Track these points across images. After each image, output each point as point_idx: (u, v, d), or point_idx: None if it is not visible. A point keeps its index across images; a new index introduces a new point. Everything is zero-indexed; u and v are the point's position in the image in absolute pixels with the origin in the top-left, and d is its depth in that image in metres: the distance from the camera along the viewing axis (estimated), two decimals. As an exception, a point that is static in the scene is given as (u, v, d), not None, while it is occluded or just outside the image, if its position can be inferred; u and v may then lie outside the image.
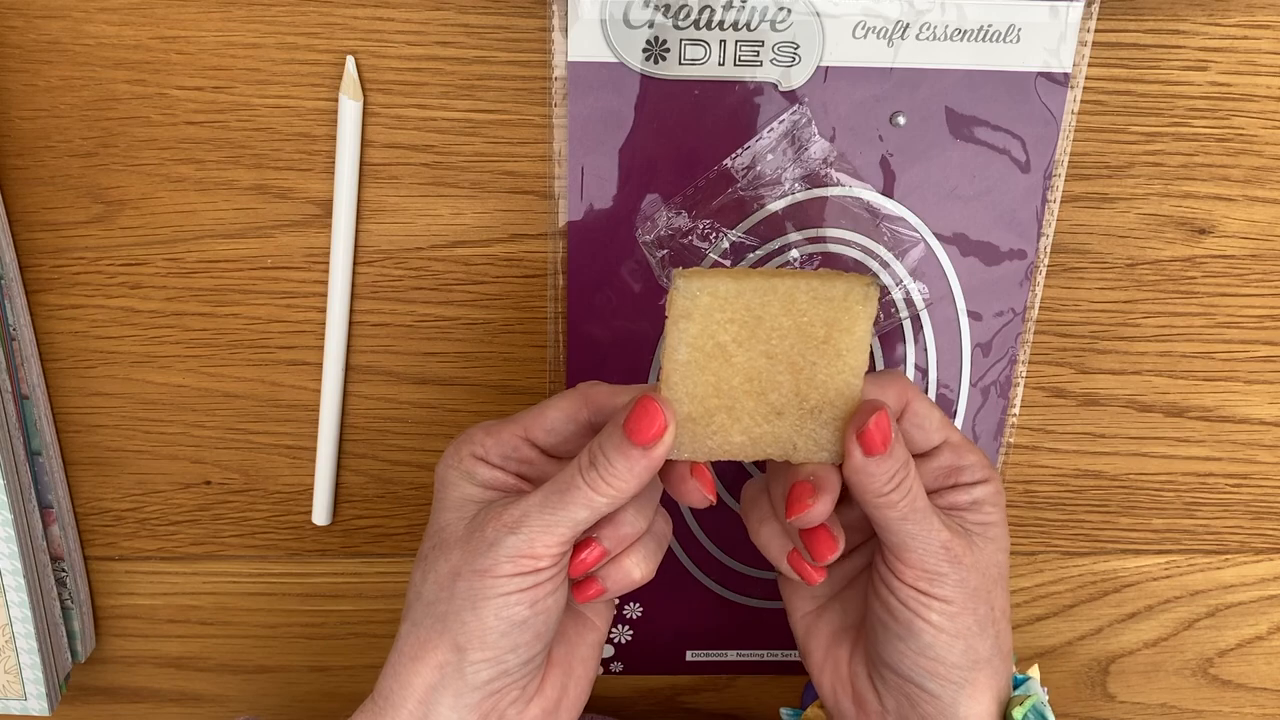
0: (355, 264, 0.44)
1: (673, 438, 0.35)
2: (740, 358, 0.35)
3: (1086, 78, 0.42)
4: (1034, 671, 0.42)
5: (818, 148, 0.41)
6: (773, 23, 0.40)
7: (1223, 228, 0.46)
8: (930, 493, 0.38)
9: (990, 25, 0.41)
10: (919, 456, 0.39)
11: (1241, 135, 0.44)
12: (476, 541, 0.36)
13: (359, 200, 0.43)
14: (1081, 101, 0.43)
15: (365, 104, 0.42)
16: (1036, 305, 0.46)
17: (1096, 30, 0.42)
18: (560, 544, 0.35)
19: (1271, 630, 0.54)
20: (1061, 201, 0.45)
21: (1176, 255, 0.46)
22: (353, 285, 0.45)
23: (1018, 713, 0.39)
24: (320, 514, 0.48)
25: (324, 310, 0.45)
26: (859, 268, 0.44)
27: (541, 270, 0.45)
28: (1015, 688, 0.40)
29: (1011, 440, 0.48)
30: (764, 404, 0.35)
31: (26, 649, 0.46)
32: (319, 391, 0.46)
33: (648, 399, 0.34)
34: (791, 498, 0.36)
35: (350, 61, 0.41)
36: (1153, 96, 0.43)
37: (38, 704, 0.47)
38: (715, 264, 0.43)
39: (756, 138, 0.40)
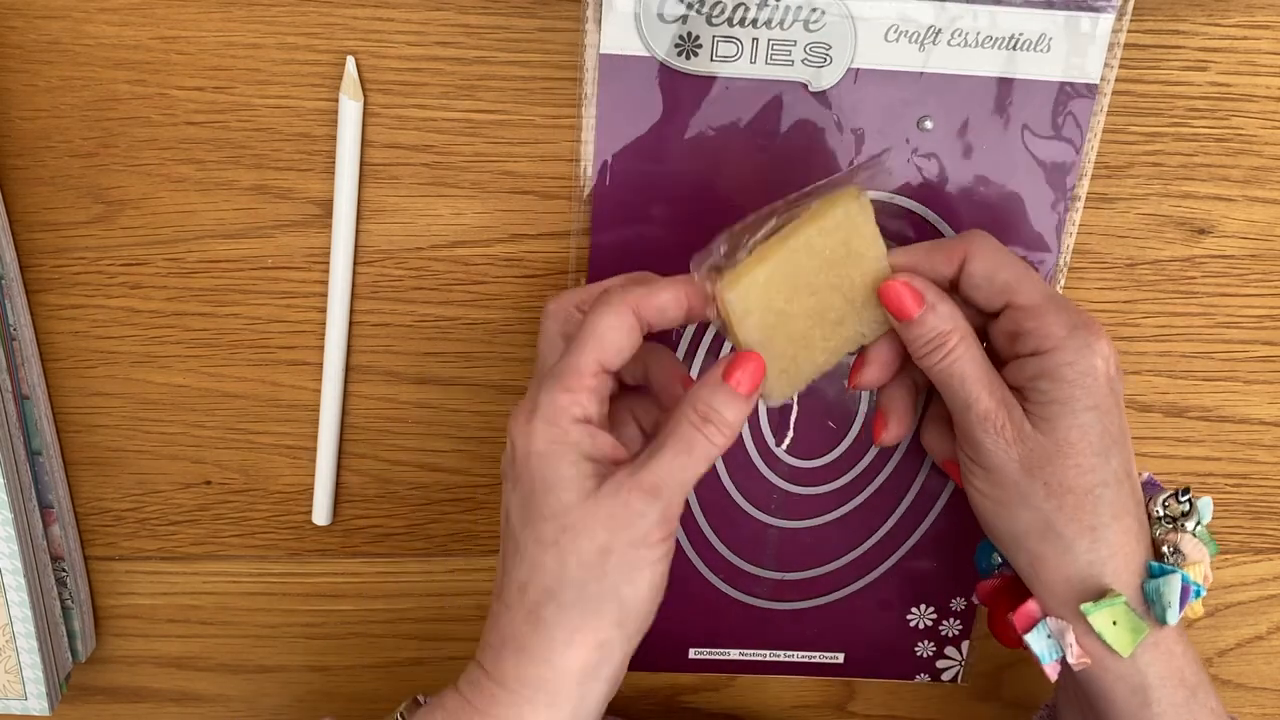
0: (355, 264, 0.44)
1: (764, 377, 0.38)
2: (795, 308, 0.39)
3: (1086, 78, 0.43)
4: (1197, 571, 0.40)
5: (884, 194, 0.42)
6: (806, 23, 0.40)
7: (1222, 228, 0.46)
8: (1006, 361, 0.40)
9: (1022, 34, 0.41)
10: (991, 317, 0.40)
11: (1241, 135, 0.44)
12: (623, 515, 0.36)
13: (359, 200, 0.43)
14: (1081, 101, 0.43)
15: (365, 104, 0.42)
16: None
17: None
18: (685, 500, 0.38)
19: (1271, 630, 0.54)
20: (1061, 201, 0.45)
21: (1176, 255, 0.46)
22: (353, 285, 0.45)
23: (1090, 610, 0.38)
24: (320, 514, 0.48)
25: (324, 310, 0.45)
26: None
27: (542, 270, 0.45)
28: (1143, 583, 0.39)
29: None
30: (825, 323, 0.40)
31: (27, 649, 0.46)
32: (319, 391, 0.46)
33: (744, 354, 0.38)
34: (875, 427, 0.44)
35: (350, 61, 0.41)
36: (1152, 96, 0.43)
37: (38, 704, 0.47)
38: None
39: (830, 179, 0.40)
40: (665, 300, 0.38)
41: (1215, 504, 0.51)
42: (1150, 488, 0.42)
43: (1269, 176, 0.45)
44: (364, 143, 0.42)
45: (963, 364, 0.39)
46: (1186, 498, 0.41)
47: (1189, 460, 0.50)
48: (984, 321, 0.41)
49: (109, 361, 0.46)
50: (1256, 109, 0.44)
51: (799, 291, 0.39)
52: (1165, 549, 0.40)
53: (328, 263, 0.44)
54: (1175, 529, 0.41)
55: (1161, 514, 0.41)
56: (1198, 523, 0.41)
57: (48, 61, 0.41)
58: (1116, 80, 0.43)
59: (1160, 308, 0.47)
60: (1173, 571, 0.38)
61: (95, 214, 0.43)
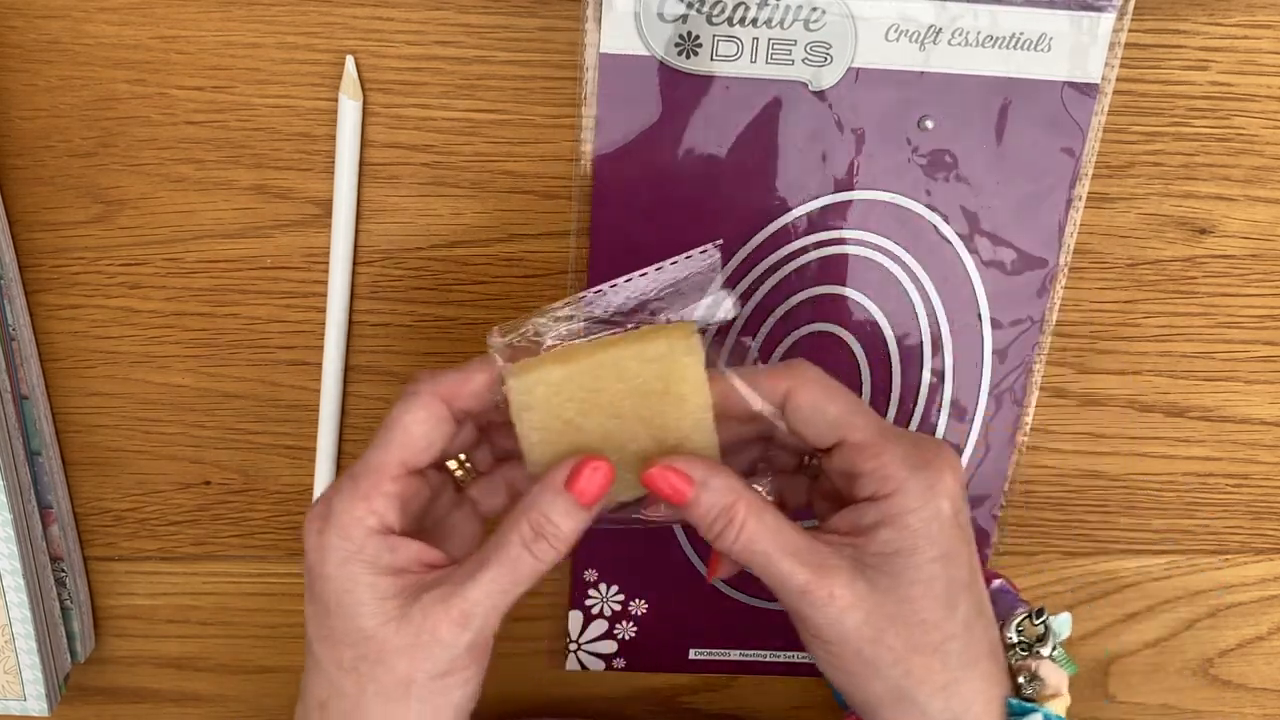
0: (355, 264, 0.44)
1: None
2: (590, 425, 0.35)
3: (1087, 77, 0.43)
4: (1059, 703, 0.37)
5: (721, 308, 0.36)
6: (806, 22, 0.40)
7: (1223, 228, 0.46)
8: (843, 503, 0.36)
9: (1022, 33, 0.41)
10: (822, 453, 0.36)
11: (1242, 135, 0.44)
12: (426, 647, 0.33)
13: (359, 200, 0.43)
14: (1082, 101, 0.43)
15: (365, 104, 0.42)
16: (1054, 315, 0.46)
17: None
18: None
19: (1272, 630, 0.54)
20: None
21: (1177, 255, 0.46)
22: (352, 285, 0.45)
23: None
24: None
25: (324, 310, 0.45)
26: (881, 272, 0.45)
27: (542, 270, 0.45)
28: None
29: (1024, 448, 0.48)
30: (626, 455, 0.36)
31: (26, 649, 0.46)
32: (319, 391, 0.46)
33: (587, 461, 0.34)
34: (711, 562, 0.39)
35: (350, 61, 0.41)
36: (1153, 96, 0.43)
37: (37, 704, 0.47)
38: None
39: (640, 274, 0.36)
40: (480, 384, 0.35)
41: (1216, 504, 0.51)
42: (1005, 598, 0.40)
43: (1270, 176, 0.45)
44: (364, 143, 0.42)
45: (759, 538, 0.34)
46: (1041, 620, 0.39)
47: (1189, 460, 0.50)
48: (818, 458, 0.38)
49: (109, 361, 0.46)
50: (1258, 108, 0.44)
51: (597, 410, 0.35)
52: (1023, 678, 0.37)
53: (327, 263, 0.44)
54: (1031, 654, 0.38)
55: (1016, 640, 0.39)
56: (1054, 645, 0.39)
57: (48, 61, 0.41)
58: (1117, 80, 0.43)
59: (1161, 308, 0.47)
60: (1033, 711, 0.36)
61: (95, 214, 0.43)
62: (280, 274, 0.44)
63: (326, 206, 0.43)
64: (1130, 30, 0.42)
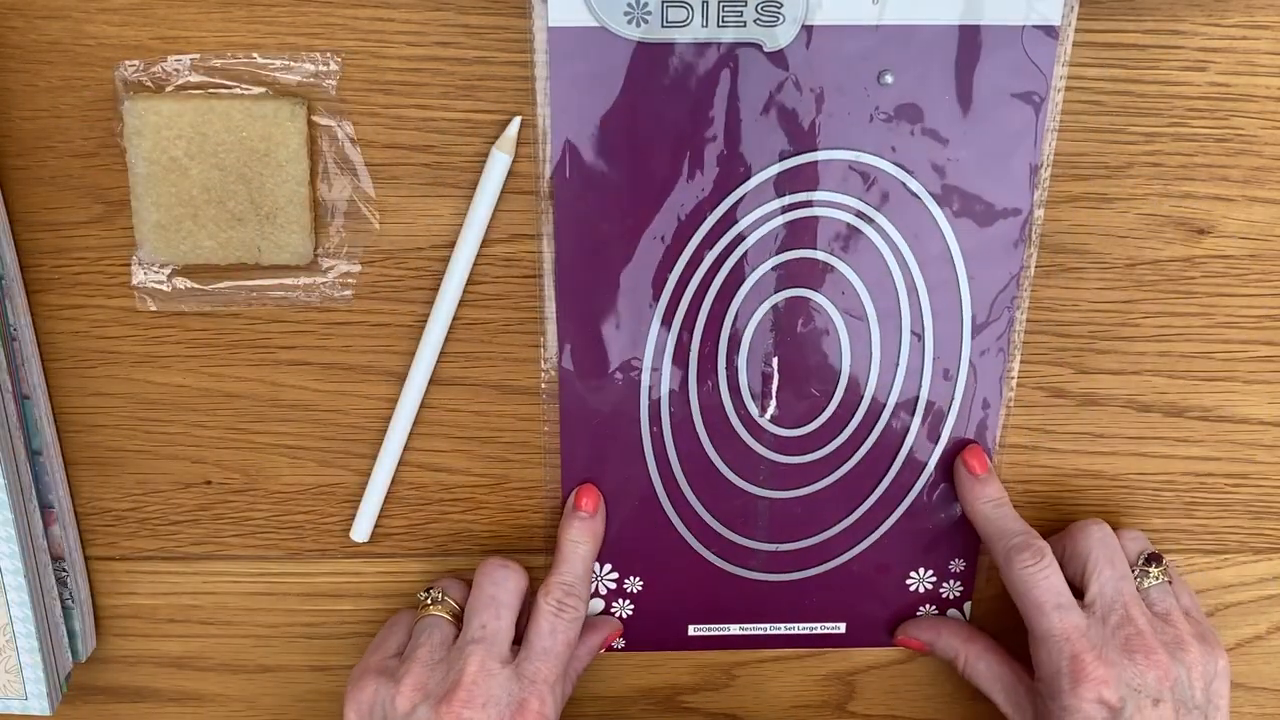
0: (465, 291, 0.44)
1: None
2: (195, 170, 0.41)
3: (1082, 78, 0.43)
4: None
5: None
6: None
7: (1222, 228, 0.46)
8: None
9: None
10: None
11: (1240, 135, 0.44)
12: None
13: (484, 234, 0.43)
14: (1080, 102, 0.43)
15: (365, 104, 0.42)
16: (1032, 267, 0.45)
17: (1095, 30, 0.42)
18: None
19: (1271, 630, 0.54)
20: (1060, 202, 0.45)
21: (1175, 255, 0.46)
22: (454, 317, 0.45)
23: None
24: (361, 532, 0.48)
25: (323, 310, 0.45)
26: (852, 232, 0.44)
27: (542, 270, 0.45)
28: None
29: (1008, 428, 0.48)
30: (225, 211, 0.41)
31: (27, 648, 0.46)
32: (319, 391, 0.46)
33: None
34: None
35: (515, 122, 0.42)
36: (1151, 97, 0.43)
37: (38, 703, 0.47)
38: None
39: None
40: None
41: (1214, 504, 0.51)
42: None
43: (1268, 176, 0.45)
44: (364, 143, 0.42)
45: (976, 675, 0.50)
46: None
47: (1188, 460, 0.50)
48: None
49: (109, 361, 0.46)
50: (1256, 109, 0.44)
51: (203, 154, 0.40)
52: None
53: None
54: None
55: None
56: None
57: (48, 61, 0.41)
58: (1116, 80, 0.43)
59: (1160, 308, 0.47)
60: None
61: (95, 214, 0.43)
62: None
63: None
64: (1129, 30, 0.42)
